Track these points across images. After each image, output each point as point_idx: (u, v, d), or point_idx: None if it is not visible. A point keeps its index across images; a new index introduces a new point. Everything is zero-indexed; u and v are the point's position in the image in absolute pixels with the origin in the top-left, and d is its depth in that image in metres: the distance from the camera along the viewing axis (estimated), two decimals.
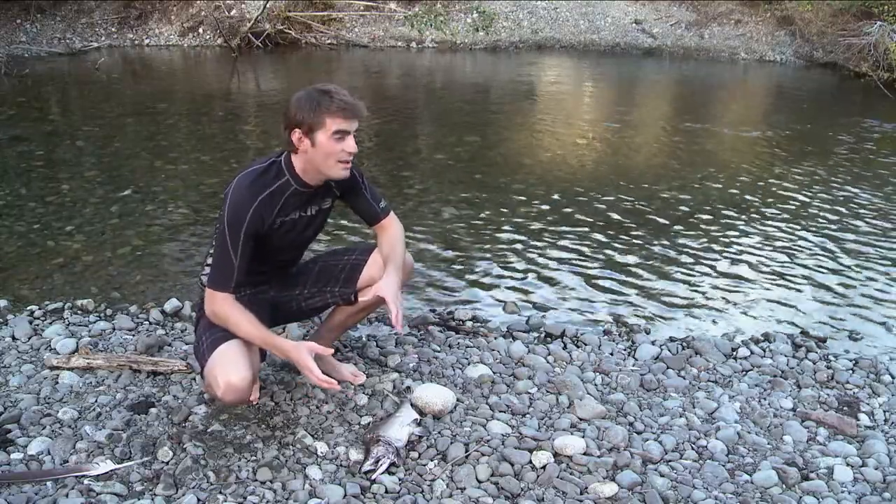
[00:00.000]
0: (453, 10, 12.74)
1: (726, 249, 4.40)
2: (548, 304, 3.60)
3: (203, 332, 2.23)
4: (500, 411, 2.50)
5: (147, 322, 3.10)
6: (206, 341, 2.18)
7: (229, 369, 2.10)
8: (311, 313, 2.63)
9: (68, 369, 2.60)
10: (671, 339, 3.24)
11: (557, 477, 2.15)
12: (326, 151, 2.10)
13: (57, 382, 2.52)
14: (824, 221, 4.96)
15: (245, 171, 2.18)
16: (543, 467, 2.19)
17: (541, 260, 4.12)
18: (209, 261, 2.31)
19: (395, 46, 12.07)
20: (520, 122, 7.69)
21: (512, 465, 2.20)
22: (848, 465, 2.35)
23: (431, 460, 2.21)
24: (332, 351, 2.31)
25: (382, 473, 2.12)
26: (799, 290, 3.94)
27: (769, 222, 4.88)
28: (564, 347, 3.09)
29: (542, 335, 3.22)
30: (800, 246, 4.52)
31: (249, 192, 2.12)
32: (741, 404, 2.69)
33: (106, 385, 2.53)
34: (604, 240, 4.44)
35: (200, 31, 11.60)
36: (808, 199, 5.40)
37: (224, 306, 2.14)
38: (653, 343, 3.16)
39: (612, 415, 2.54)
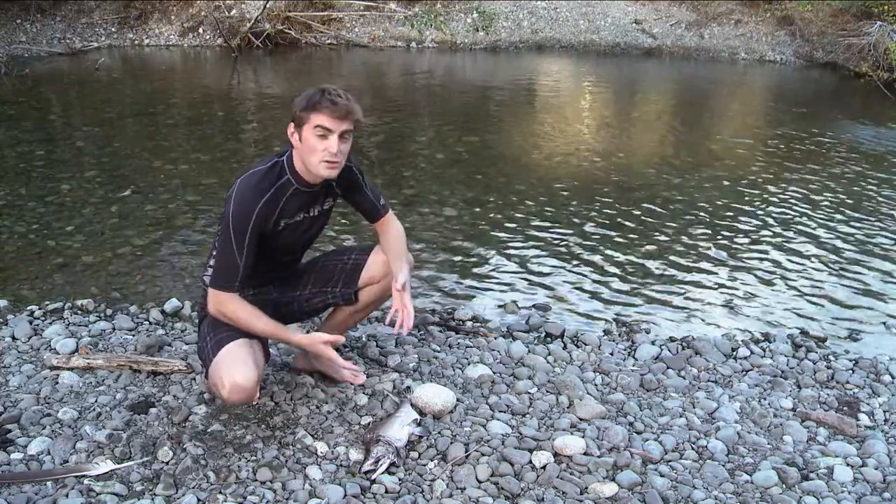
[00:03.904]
0: (453, 10, 12.74)
1: (726, 249, 4.40)
2: (548, 304, 3.60)
3: (207, 332, 2.23)
4: (500, 411, 2.50)
5: (147, 322, 3.10)
6: (211, 341, 2.19)
7: (234, 369, 2.10)
8: (312, 314, 2.63)
9: (68, 369, 2.60)
10: (671, 339, 3.24)
11: (557, 477, 2.15)
12: (310, 147, 2.11)
13: (57, 382, 2.52)
14: (824, 222, 4.96)
15: (248, 172, 2.18)
16: (543, 467, 2.19)
17: (541, 260, 4.12)
18: (211, 261, 2.31)
19: (395, 46, 12.07)
20: (520, 122, 7.69)
21: (512, 465, 2.20)
22: (848, 465, 2.35)
23: (431, 460, 2.21)
24: (343, 339, 2.34)
25: (382, 473, 2.12)
26: (799, 290, 3.94)
27: (769, 222, 4.89)
28: (564, 347, 3.09)
29: (542, 335, 3.22)
30: (800, 246, 4.52)
31: (254, 193, 2.12)
32: (741, 404, 2.69)
33: (106, 385, 2.53)
34: (604, 240, 4.44)
35: (200, 31, 11.60)
36: (807, 200, 5.40)
37: (231, 305, 2.15)
38: (653, 343, 3.16)
39: (612, 415, 2.54)
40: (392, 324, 2.36)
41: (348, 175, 2.34)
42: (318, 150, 2.09)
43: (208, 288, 2.18)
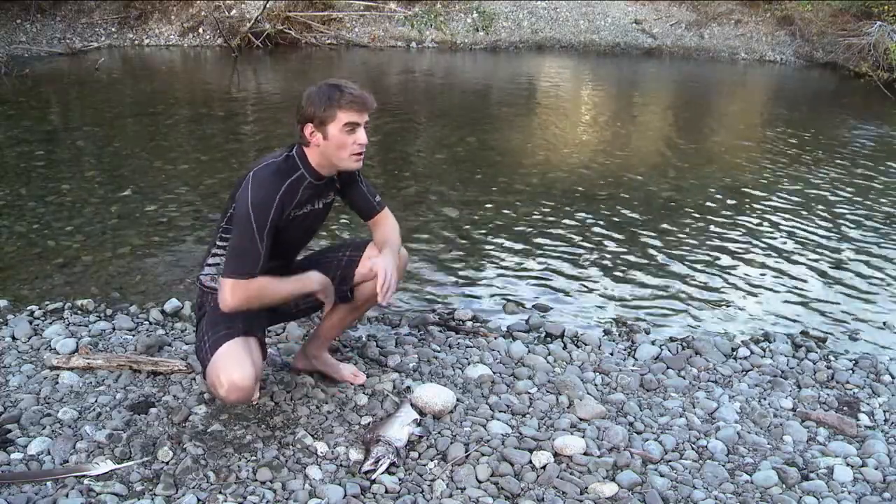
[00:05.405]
0: (453, 10, 12.75)
1: (726, 249, 4.40)
2: (548, 304, 3.60)
3: (205, 332, 2.22)
4: (500, 411, 2.50)
5: (147, 322, 3.10)
6: (209, 341, 2.18)
7: (232, 368, 2.10)
8: (309, 311, 2.62)
9: (68, 369, 2.60)
10: (671, 339, 3.24)
11: (557, 477, 2.15)
12: (338, 144, 2.13)
13: (57, 382, 2.52)
14: (824, 222, 4.96)
15: (261, 164, 2.19)
16: (543, 467, 2.19)
17: (541, 260, 4.13)
18: (209, 260, 2.31)
19: (395, 46, 12.07)
20: (520, 122, 7.69)
21: (512, 465, 2.20)
22: (848, 465, 2.35)
23: (431, 460, 2.21)
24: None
25: (382, 473, 2.11)
26: (799, 290, 3.94)
27: (769, 223, 4.88)
28: (564, 347, 3.09)
29: (542, 335, 3.22)
30: (800, 246, 4.52)
31: (273, 183, 2.13)
32: (741, 404, 2.69)
33: (106, 385, 2.53)
34: (604, 240, 4.44)
35: (200, 31, 11.60)
36: (808, 200, 5.40)
37: (254, 285, 2.11)
38: (653, 343, 3.16)
39: (612, 415, 2.54)
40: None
41: (348, 172, 2.35)
42: (347, 144, 2.13)
43: (225, 280, 2.12)
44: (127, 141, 6.12)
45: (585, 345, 3.11)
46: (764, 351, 3.18)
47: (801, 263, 4.27)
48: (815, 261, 4.32)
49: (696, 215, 4.94)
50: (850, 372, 3.02)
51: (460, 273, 3.91)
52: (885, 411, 2.73)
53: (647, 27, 13.17)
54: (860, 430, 2.57)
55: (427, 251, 4.13)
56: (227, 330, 2.18)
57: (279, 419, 2.35)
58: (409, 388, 2.57)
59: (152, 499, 1.98)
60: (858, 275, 4.16)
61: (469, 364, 2.82)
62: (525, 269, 4.00)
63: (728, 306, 3.71)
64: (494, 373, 2.77)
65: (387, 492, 2.07)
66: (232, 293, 2.10)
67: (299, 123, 2.17)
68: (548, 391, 2.67)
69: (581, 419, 2.48)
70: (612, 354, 3.04)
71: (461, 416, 2.44)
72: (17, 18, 10.93)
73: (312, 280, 2.29)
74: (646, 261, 4.18)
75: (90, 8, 11.52)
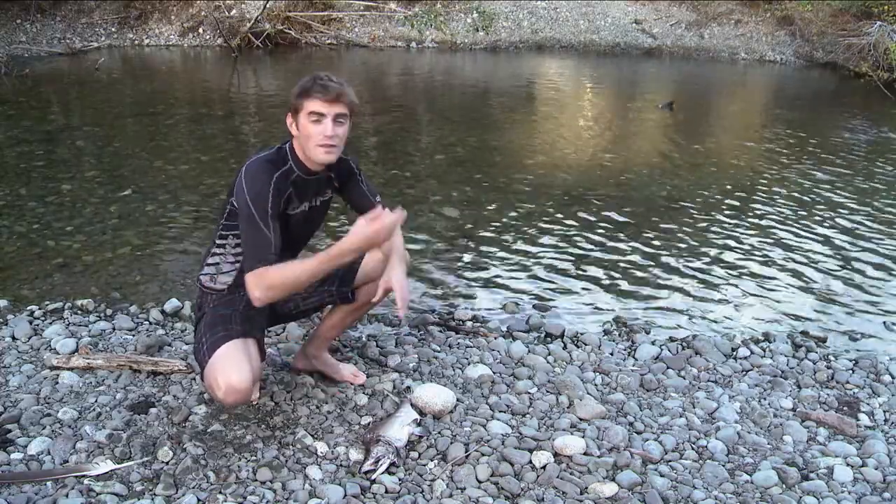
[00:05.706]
0: (453, 10, 12.76)
1: (726, 250, 4.40)
2: (548, 304, 3.60)
3: (203, 333, 2.22)
4: (500, 411, 2.50)
5: (147, 322, 3.10)
6: (207, 343, 2.18)
7: (230, 370, 2.09)
8: (309, 312, 2.62)
9: (68, 369, 2.60)
10: (671, 339, 3.24)
11: (557, 477, 2.15)
12: (306, 133, 2.14)
13: (57, 382, 2.52)
14: (824, 222, 4.96)
15: (253, 158, 2.20)
16: (543, 467, 2.19)
17: (541, 260, 4.12)
18: (208, 260, 2.31)
19: (395, 46, 12.08)
20: (520, 122, 7.69)
21: (512, 465, 2.20)
22: (848, 465, 2.35)
23: (431, 460, 2.21)
24: (404, 214, 2.16)
25: (382, 473, 2.11)
26: (799, 290, 3.94)
27: (769, 223, 4.89)
28: (564, 347, 3.09)
29: (542, 335, 3.22)
30: (800, 247, 4.52)
31: (264, 172, 2.14)
32: (741, 404, 2.69)
33: (106, 385, 2.53)
34: (604, 240, 4.44)
35: (200, 31, 11.61)
36: (808, 201, 5.40)
37: (274, 272, 2.07)
38: (653, 343, 3.16)
39: (612, 415, 2.54)
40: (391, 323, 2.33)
41: (348, 170, 2.36)
42: (313, 135, 2.13)
43: (247, 276, 2.09)
44: (127, 141, 6.12)
45: (585, 345, 3.11)
46: (764, 351, 3.18)
47: (801, 263, 4.27)
48: (815, 261, 4.32)
49: (696, 215, 4.94)
50: (850, 372, 3.02)
51: (460, 273, 3.91)
52: (885, 411, 2.73)
53: (647, 27, 13.17)
54: (860, 430, 2.57)
55: (427, 251, 4.13)
56: (225, 332, 2.18)
57: (279, 419, 2.35)
58: (409, 388, 2.57)
59: (152, 499, 1.98)
60: (859, 275, 4.16)
61: (469, 364, 2.82)
62: (525, 269, 4.00)
63: (728, 306, 3.71)
64: (494, 373, 2.77)
65: (387, 492, 2.07)
66: (256, 284, 2.07)
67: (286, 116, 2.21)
68: (548, 391, 2.67)
69: (581, 419, 2.48)
70: (612, 354, 3.04)
71: (461, 416, 2.44)
72: (17, 18, 10.94)
73: (344, 247, 2.08)
74: (646, 261, 4.18)
75: (90, 8, 11.53)
